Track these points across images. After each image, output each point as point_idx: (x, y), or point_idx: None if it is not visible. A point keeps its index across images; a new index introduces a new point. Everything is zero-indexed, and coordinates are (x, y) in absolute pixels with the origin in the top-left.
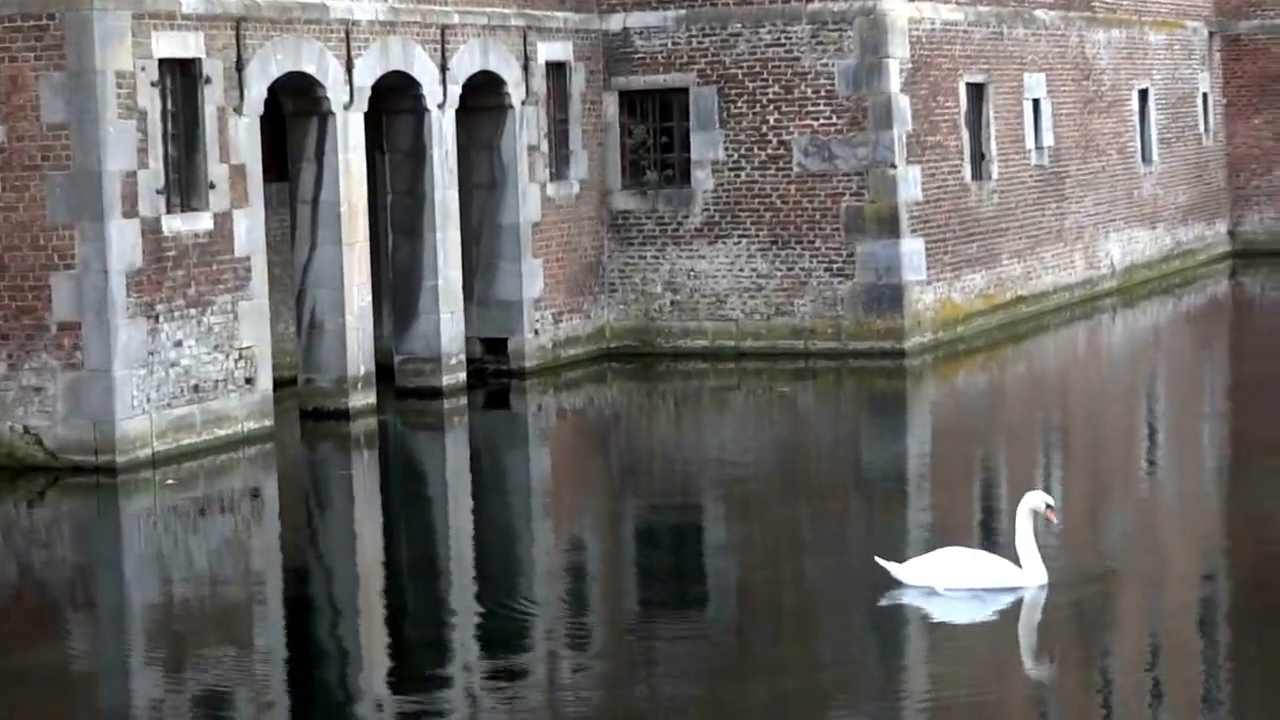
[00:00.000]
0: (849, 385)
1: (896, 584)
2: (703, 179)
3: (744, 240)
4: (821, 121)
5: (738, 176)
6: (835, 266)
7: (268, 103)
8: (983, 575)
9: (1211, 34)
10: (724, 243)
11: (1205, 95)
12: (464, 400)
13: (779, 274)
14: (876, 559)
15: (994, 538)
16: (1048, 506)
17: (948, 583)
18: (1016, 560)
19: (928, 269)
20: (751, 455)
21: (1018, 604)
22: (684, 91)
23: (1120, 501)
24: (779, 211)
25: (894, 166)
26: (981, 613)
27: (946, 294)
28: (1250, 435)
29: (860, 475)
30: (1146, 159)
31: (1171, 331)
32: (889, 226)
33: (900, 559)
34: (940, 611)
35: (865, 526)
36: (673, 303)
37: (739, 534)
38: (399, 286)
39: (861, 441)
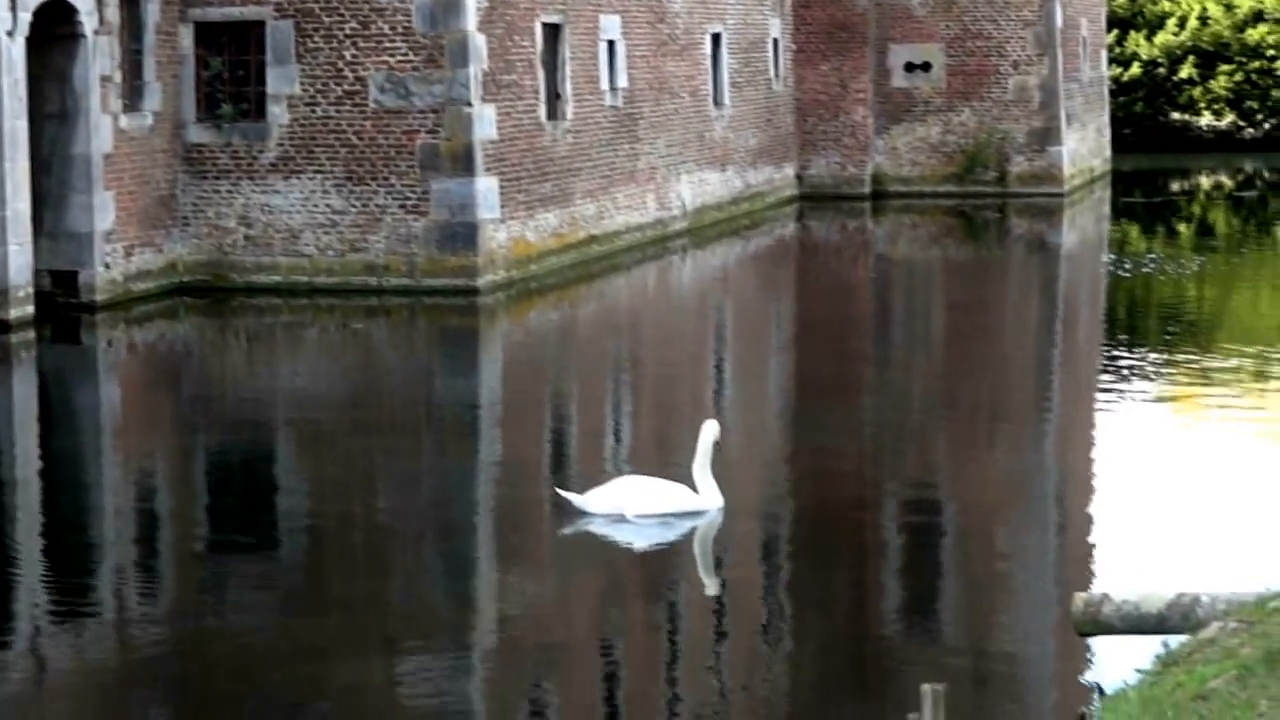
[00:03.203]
0: (422, 322)
1: (581, 513)
2: (278, 114)
3: (319, 176)
4: (398, 58)
5: (314, 112)
6: (410, 204)
7: None
8: (667, 501)
9: None
10: (299, 178)
11: (776, 41)
12: (32, 334)
13: (354, 210)
14: (557, 490)
15: (565, 469)
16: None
17: (637, 509)
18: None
19: (502, 207)
20: (324, 391)
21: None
22: (260, 25)
23: (688, 436)
24: (354, 148)
25: (469, 105)
26: (658, 538)
27: (520, 232)
28: (811, 373)
29: (431, 411)
30: (718, 102)
31: (739, 272)
32: (464, 164)
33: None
34: (625, 537)
35: (435, 461)
36: (246, 238)
37: (309, 470)
38: None
39: (434, 378)
